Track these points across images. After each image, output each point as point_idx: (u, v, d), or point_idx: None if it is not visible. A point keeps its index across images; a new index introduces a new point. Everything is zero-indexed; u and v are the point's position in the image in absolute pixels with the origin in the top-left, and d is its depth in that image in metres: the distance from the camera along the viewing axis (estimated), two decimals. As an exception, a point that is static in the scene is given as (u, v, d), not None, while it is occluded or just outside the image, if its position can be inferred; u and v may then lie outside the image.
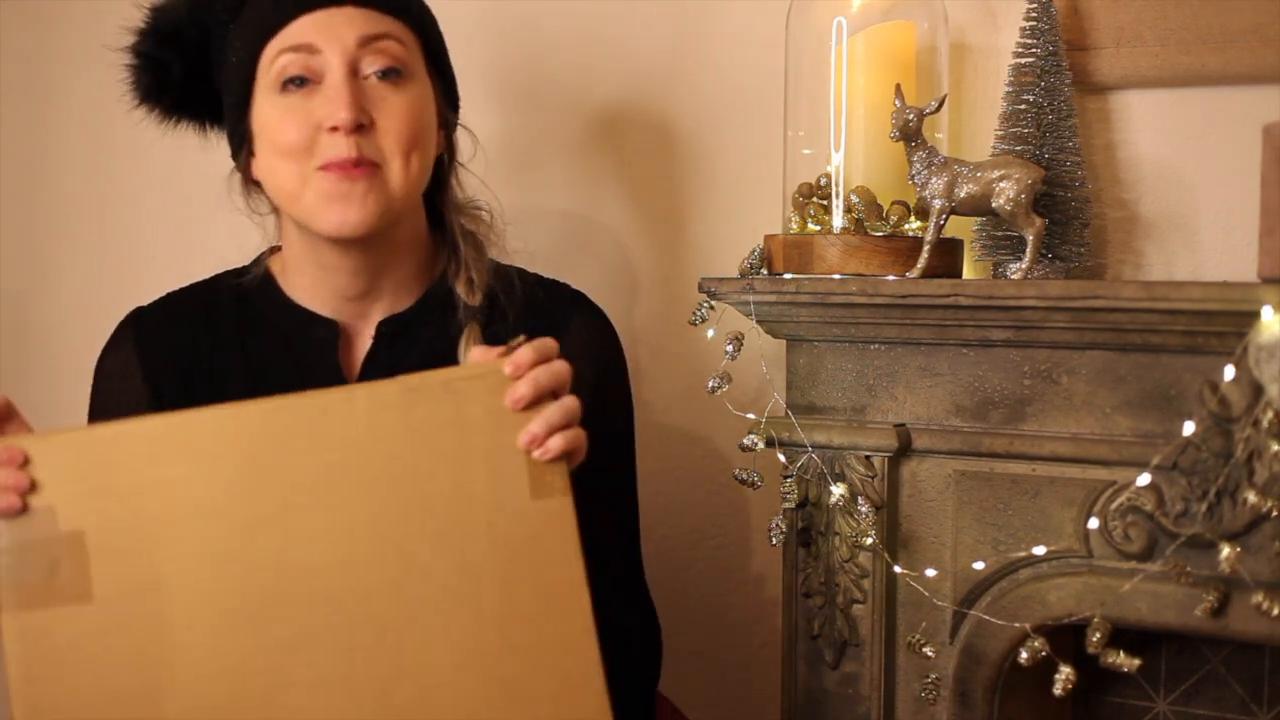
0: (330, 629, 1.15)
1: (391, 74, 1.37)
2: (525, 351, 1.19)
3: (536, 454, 1.17)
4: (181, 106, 1.48)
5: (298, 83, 1.36)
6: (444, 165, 1.49)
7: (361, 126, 1.35)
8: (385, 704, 1.15)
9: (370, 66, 1.36)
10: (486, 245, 1.50)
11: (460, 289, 1.45)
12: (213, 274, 1.52)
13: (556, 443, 1.18)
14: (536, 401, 1.18)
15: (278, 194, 1.41)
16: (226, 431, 1.16)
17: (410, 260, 1.46)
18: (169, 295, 1.50)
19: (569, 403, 1.20)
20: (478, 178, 1.53)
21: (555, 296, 1.51)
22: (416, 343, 1.44)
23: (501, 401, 1.17)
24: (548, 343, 1.20)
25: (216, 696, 1.15)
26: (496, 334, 1.44)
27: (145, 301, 1.51)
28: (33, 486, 1.14)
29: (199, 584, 1.15)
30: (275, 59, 1.37)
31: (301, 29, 1.36)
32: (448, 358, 1.42)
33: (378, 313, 1.45)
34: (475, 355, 1.23)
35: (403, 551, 1.16)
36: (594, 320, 1.51)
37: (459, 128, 1.51)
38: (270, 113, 1.38)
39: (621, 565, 1.47)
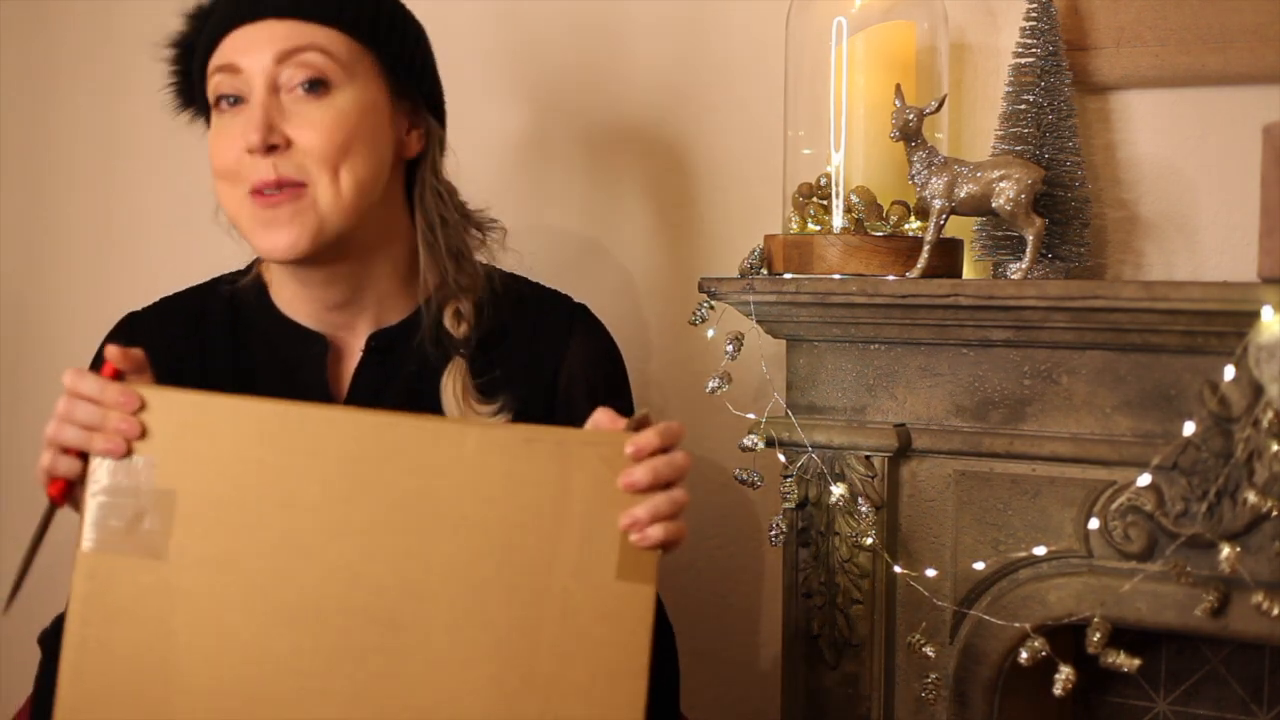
0: (381, 651, 1.15)
1: (315, 86, 1.33)
2: (650, 436, 1.17)
3: (634, 538, 1.16)
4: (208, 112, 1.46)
5: (230, 101, 1.35)
6: (418, 169, 1.44)
7: (275, 147, 1.32)
8: None
9: (291, 80, 1.33)
10: (473, 251, 1.47)
11: (447, 319, 1.42)
12: (209, 278, 1.51)
13: (657, 532, 1.17)
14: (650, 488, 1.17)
15: (230, 220, 1.40)
16: (337, 434, 1.17)
17: (391, 269, 1.43)
18: (163, 300, 1.49)
19: (678, 496, 1.18)
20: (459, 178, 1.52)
21: (556, 309, 1.50)
22: (408, 359, 1.42)
23: (613, 475, 1.16)
24: (674, 429, 1.19)
25: (251, 684, 1.15)
26: (492, 350, 1.43)
27: (145, 302, 1.51)
28: (142, 434, 1.17)
29: (269, 573, 1.16)
30: (211, 78, 1.36)
31: (227, 48, 1.35)
32: (439, 379, 1.41)
33: (365, 324, 1.44)
34: (601, 420, 1.22)
35: (472, 594, 1.15)
36: (595, 336, 1.50)
37: (436, 125, 1.46)
38: (211, 134, 1.38)
39: None
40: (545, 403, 1.44)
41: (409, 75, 1.41)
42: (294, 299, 1.44)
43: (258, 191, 1.33)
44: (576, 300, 1.53)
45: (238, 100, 1.34)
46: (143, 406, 1.17)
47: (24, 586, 1.22)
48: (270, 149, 1.31)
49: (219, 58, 1.35)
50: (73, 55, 2.29)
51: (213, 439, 1.18)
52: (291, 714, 1.15)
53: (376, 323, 1.44)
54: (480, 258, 1.49)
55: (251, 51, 1.33)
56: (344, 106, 1.34)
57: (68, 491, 1.22)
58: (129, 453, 1.17)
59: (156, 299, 1.50)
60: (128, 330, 1.47)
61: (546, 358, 1.46)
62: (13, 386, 2.36)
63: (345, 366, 1.44)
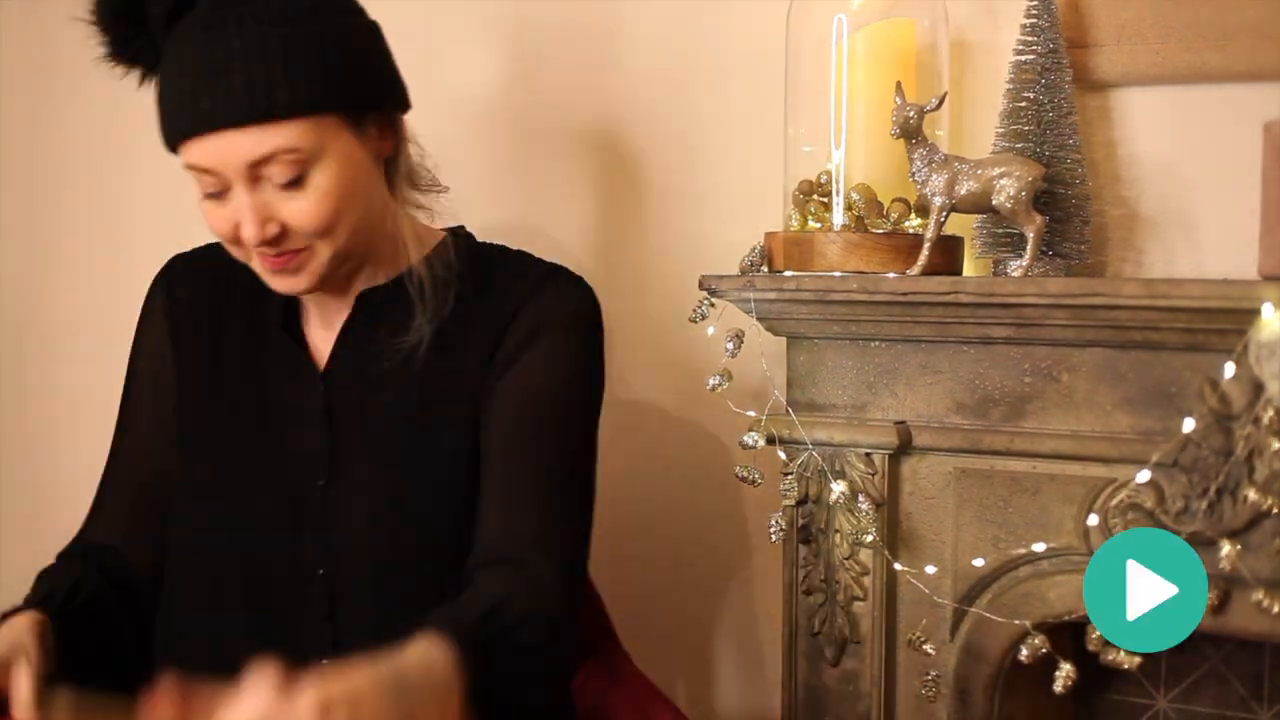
0: None
1: (293, 183, 1.33)
2: None
3: None
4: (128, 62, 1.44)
5: (213, 196, 1.35)
6: (391, 162, 1.44)
7: (273, 236, 1.34)
8: None
9: (272, 178, 1.32)
10: (432, 225, 1.49)
11: (428, 281, 1.44)
12: None
13: None
14: None
15: None
16: None
17: (381, 240, 1.44)
18: (209, 246, 1.52)
19: None
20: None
21: (531, 267, 1.48)
22: (388, 318, 1.44)
23: None
24: None
25: None
26: (461, 307, 1.43)
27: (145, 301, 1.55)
28: None
29: None
30: (187, 169, 1.36)
31: (194, 152, 1.33)
32: (403, 344, 1.42)
33: (360, 283, 1.45)
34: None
35: None
36: (568, 284, 1.47)
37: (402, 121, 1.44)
38: (202, 205, 1.38)
39: (538, 525, 1.38)
40: (493, 346, 1.42)
41: (372, 104, 1.39)
42: None
43: (266, 258, 1.36)
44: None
45: (219, 193, 1.34)
46: None
47: None
48: (270, 239, 1.34)
49: (189, 158, 1.34)
50: (73, 53, 2.29)
51: None
52: None
53: (368, 282, 1.45)
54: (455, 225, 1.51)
55: (221, 160, 1.32)
56: (325, 185, 1.34)
57: None
58: None
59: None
60: (169, 267, 1.54)
61: (511, 306, 1.44)
62: (15, 386, 2.36)
63: (334, 319, 1.46)
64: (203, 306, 1.50)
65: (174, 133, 1.35)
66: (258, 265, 1.38)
